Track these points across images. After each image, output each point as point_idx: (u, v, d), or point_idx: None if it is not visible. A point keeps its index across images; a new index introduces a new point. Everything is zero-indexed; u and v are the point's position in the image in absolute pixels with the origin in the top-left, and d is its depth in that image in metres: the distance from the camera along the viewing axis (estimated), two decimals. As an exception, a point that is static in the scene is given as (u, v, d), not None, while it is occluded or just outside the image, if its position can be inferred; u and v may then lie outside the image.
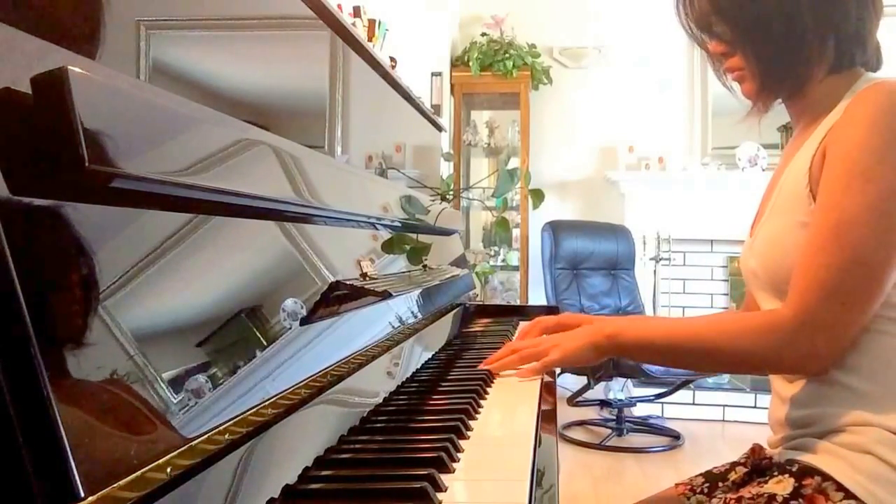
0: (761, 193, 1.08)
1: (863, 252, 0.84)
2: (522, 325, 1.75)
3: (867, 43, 0.95)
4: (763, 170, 4.12)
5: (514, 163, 4.52)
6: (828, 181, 0.88)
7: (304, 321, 0.75)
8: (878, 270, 0.85)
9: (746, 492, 0.93)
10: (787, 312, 0.88)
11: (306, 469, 0.67)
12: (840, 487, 0.84)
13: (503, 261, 4.55)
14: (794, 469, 0.90)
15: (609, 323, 1.07)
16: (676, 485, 1.06)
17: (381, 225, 1.22)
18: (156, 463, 0.45)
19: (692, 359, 1.03)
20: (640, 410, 3.91)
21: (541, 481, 0.72)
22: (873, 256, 0.84)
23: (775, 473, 0.92)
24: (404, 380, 1.06)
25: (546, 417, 0.93)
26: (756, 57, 0.95)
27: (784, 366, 0.94)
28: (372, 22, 2.05)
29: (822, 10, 0.91)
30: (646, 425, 3.81)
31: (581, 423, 3.84)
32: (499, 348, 1.35)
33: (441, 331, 1.43)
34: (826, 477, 0.86)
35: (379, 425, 0.85)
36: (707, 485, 1.03)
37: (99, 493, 0.40)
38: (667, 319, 1.06)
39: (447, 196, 1.62)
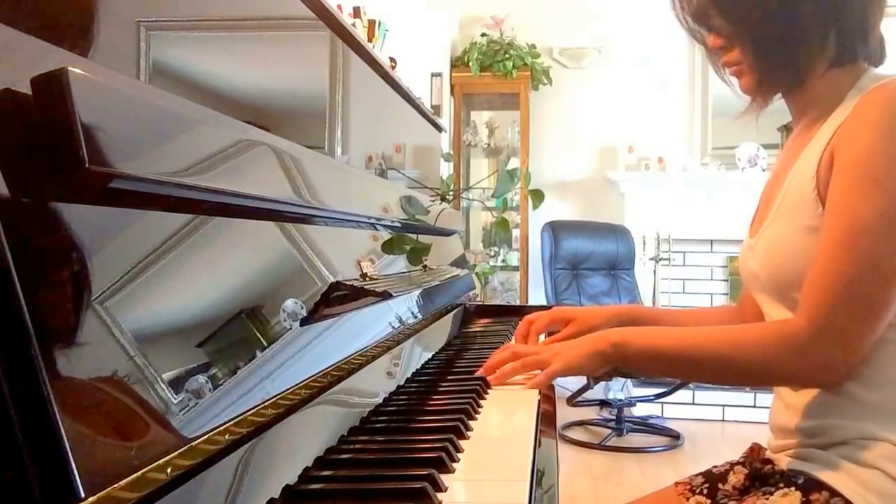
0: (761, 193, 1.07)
1: (877, 259, 0.82)
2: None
3: (870, 36, 0.93)
4: (763, 170, 4.12)
5: (513, 163, 4.52)
6: (839, 185, 0.85)
7: (305, 321, 0.75)
8: (892, 278, 0.82)
9: (751, 503, 0.92)
10: (801, 322, 0.85)
11: (306, 469, 0.67)
12: None
13: (503, 261, 4.55)
14: (799, 482, 0.89)
15: (614, 331, 1.02)
16: (676, 484, 1.06)
17: (381, 225, 1.22)
18: (156, 463, 0.45)
19: (702, 371, 0.99)
20: (639, 410, 3.91)
21: (541, 481, 0.72)
22: (888, 264, 0.82)
23: (781, 485, 0.91)
24: (404, 380, 1.06)
25: (546, 417, 0.93)
26: (755, 50, 0.93)
27: (799, 377, 0.90)
28: (372, 22, 2.05)
29: (823, 1, 0.89)
30: (645, 425, 3.81)
31: (581, 423, 3.84)
32: (498, 349, 1.36)
33: (441, 331, 1.43)
34: (834, 492, 0.85)
35: (379, 425, 0.85)
36: (707, 485, 1.03)
37: (99, 494, 0.40)
38: (673, 329, 1.02)
39: (447, 196, 1.62)
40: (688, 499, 1.02)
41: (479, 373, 1.08)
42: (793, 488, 0.89)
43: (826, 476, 0.87)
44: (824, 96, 0.93)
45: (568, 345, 1.04)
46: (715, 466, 1.06)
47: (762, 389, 3.85)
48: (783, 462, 0.96)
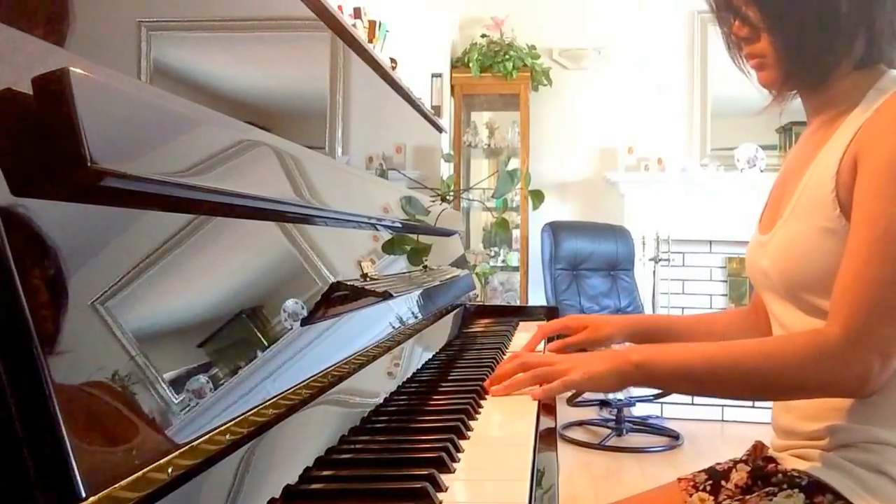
0: (762, 193, 1.06)
1: None
2: (523, 325, 1.75)
3: None
4: (762, 171, 4.12)
5: (514, 164, 4.52)
6: (866, 190, 0.84)
7: (305, 321, 0.75)
8: None
9: (753, 503, 0.92)
10: (835, 330, 0.82)
11: (307, 469, 0.67)
12: None
13: (503, 261, 4.55)
14: (803, 483, 0.88)
15: (635, 350, 0.97)
16: (679, 480, 1.05)
17: (382, 226, 1.22)
18: (157, 463, 0.45)
19: (733, 387, 0.94)
20: (639, 410, 3.91)
21: (541, 481, 0.72)
22: None
23: (784, 486, 0.90)
24: (405, 380, 1.06)
25: (546, 417, 0.93)
26: (784, 44, 0.91)
27: (835, 388, 0.86)
28: (372, 23, 2.06)
29: (858, 1, 0.88)
30: (645, 425, 3.81)
31: (581, 423, 3.85)
32: (498, 349, 1.36)
33: (441, 331, 1.43)
34: (837, 495, 0.85)
35: (380, 425, 0.85)
36: (710, 482, 1.03)
37: (100, 494, 0.40)
38: (698, 345, 0.99)
39: (447, 197, 1.62)
40: (690, 495, 1.02)
41: (486, 385, 1.03)
42: (796, 490, 0.88)
43: (830, 478, 0.87)
44: (843, 96, 0.93)
45: (585, 358, 0.98)
46: (718, 464, 1.06)
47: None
48: (787, 461, 0.96)
